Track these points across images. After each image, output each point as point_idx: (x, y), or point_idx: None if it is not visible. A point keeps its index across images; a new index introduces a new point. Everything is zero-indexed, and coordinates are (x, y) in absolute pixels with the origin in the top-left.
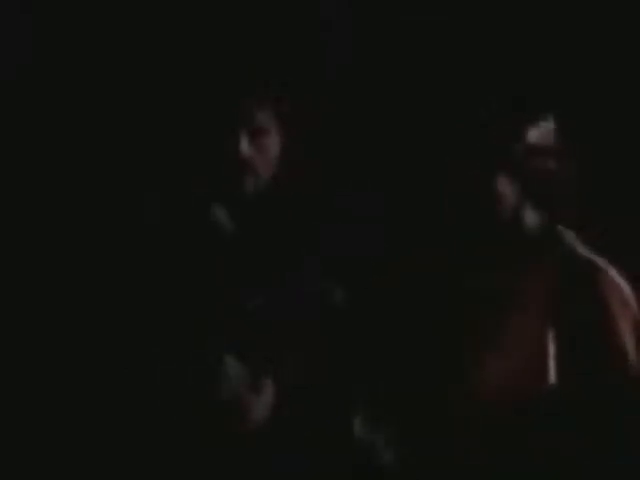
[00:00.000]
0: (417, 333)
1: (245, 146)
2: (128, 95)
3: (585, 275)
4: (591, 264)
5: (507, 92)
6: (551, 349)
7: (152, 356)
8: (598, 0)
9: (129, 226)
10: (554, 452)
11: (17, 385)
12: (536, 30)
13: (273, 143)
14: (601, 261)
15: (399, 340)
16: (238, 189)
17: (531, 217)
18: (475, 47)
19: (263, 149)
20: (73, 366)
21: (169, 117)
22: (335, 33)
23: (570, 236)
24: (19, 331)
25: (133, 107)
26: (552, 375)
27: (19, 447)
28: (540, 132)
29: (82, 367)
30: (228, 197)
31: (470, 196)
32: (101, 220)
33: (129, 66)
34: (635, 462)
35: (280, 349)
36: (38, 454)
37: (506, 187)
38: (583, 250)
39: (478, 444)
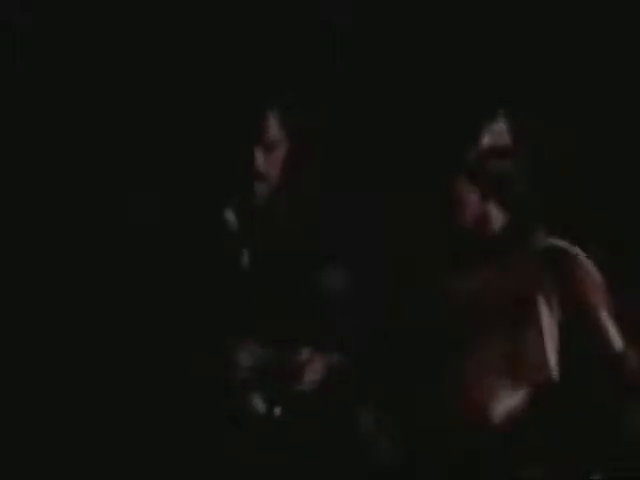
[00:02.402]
0: (416, 332)
1: (261, 162)
2: (131, 98)
3: (562, 265)
4: (566, 253)
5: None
6: (549, 342)
7: (173, 348)
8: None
9: (140, 228)
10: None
11: (21, 385)
12: (525, 32)
13: (283, 153)
14: (575, 249)
15: (400, 338)
16: (251, 197)
17: (497, 216)
18: (474, 47)
19: (275, 161)
20: (100, 361)
21: (175, 120)
22: (335, 33)
23: (540, 230)
24: (24, 333)
25: (137, 111)
26: (554, 368)
27: (22, 445)
28: (494, 133)
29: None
30: (239, 202)
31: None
32: (112, 222)
33: (130, 68)
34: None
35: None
36: (40, 453)
37: (468, 190)
38: (556, 241)
39: (477, 443)
